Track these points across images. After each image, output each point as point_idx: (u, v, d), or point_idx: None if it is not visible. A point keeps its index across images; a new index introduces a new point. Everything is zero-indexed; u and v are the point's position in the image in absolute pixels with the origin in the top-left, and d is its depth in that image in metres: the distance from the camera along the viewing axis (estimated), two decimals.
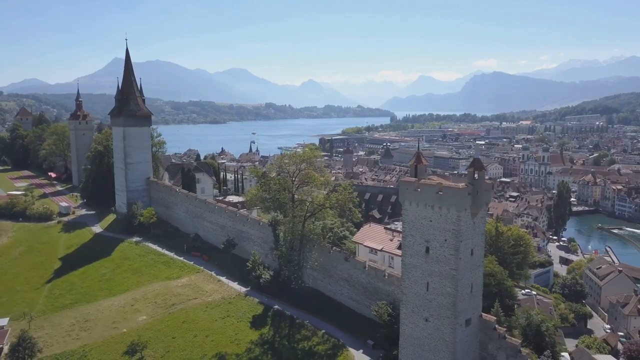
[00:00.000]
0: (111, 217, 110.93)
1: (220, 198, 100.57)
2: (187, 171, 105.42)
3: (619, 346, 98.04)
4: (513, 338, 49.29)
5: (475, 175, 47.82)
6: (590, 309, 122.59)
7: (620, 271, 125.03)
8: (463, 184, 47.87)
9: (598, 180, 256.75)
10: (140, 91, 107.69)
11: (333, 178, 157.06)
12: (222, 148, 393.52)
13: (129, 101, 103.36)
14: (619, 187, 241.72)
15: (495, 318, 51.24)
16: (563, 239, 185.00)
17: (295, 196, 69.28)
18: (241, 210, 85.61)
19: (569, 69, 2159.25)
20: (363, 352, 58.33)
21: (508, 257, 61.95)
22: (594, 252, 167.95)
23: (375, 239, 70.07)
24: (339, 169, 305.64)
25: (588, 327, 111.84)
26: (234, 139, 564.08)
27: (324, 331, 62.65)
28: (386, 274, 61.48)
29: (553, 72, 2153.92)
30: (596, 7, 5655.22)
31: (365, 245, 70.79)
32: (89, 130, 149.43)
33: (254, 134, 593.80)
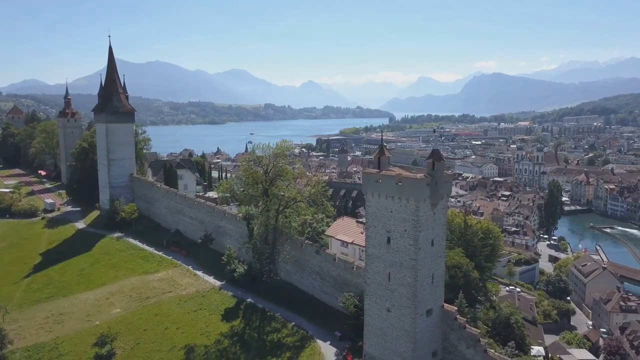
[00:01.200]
0: (95, 214, 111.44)
1: (201, 194, 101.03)
2: (169, 167, 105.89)
3: (601, 342, 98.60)
4: (473, 328, 49.58)
5: (434, 167, 48.17)
6: (574, 305, 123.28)
7: (604, 268, 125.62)
8: (422, 174, 48.29)
9: (591, 179, 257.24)
10: (124, 88, 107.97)
11: (327, 177, 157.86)
12: (217, 148, 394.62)
13: (112, 98, 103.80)
14: (612, 186, 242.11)
15: (456, 309, 51.54)
16: (554, 237, 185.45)
17: (269, 190, 69.47)
18: (219, 205, 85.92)
19: (568, 70, 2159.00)
20: (330, 344, 58.62)
21: (477, 249, 62.29)
22: (583, 250, 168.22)
23: (347, 232, 70.47)
24: (333, 168, 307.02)
25: (572, 323, 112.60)
26: (232, 140, 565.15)
27: (293, 323, 62.98)
28: (355, 266, 61.84)
29: (553, 74, 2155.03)
30: (596, 9, 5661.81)
31: (337, 239, 71.18)
32: (77, 128, 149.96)
33: (252, 134, 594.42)
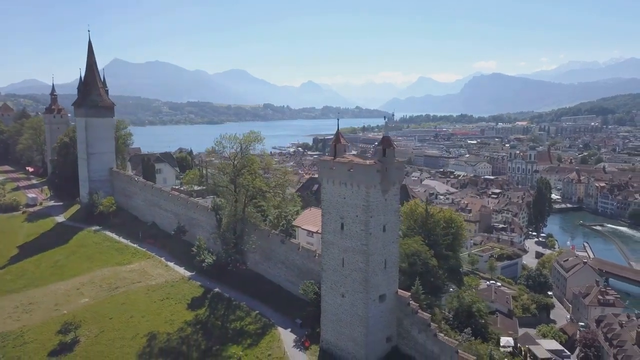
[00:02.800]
0: (76, 208, 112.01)
1: (177, 187, 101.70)
2: (147, 161, 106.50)
3: (578, 335, 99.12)
4: (424, 313, 50.05)
5: (385, 153, 48.67)
6: (554, 299, 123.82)
7: (584, 263, 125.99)
8: (372, 161, 48.84)
9: (582, 178, 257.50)
10: (104, 83, 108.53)
11: (316, 175, 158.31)
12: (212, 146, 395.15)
13: (92, 92, 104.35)
14: (602, 184, 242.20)
15: (409, 294, 52.04)
16: (542, 235, 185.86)
17: (236, 180, 70.00)
18: (192, 198, 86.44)
19: (568, 70, 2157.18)
20: (291, 331, 59.16)
21: (438, 238, 62.84)
22: (571, 247, 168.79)
23: (312, 222, 70.98)
24: None
25: (552, 317, 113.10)
26: None
27: (257, 312, 63.56)
28: (317, 255, 62.32)
29: (552, 74, 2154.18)
30: (596, 9, 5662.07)
31: (303, 229, 71.74)
32: (63, 124, 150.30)
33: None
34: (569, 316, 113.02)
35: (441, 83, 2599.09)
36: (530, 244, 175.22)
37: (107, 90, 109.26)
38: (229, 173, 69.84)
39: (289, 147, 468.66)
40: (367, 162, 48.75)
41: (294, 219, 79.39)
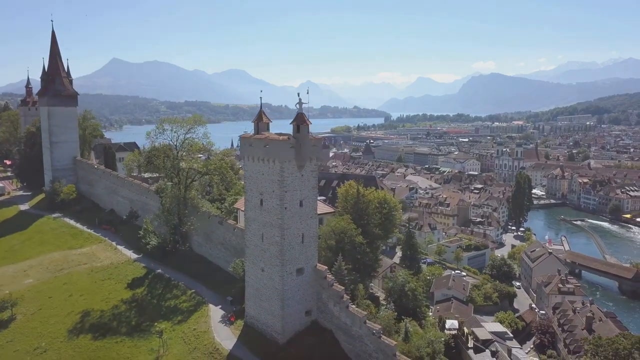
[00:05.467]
0: (42, 196, 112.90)
1: (135, 174, 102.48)
2: (108, 149, 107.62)
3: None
4: (339, 286, 51.02)
5: (299, 129, 49.65)
6: (520, 288, 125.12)
7: (550, 253, 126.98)
8: (286, 137, 49.84)
9: (566, 174, 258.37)
10: (68, 72, 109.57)
11: None
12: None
13: (55, 81, 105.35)
14: (585, 180, 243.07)
15: (326, 267, 53.01)
16: (521, 229, 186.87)
17: (178, 163, 71.01)
18: (144, 184, 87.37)
19: (566, 70, 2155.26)
20: (221, 308, 60.20)
21: (369, 217, 63.89)
22: (548, 241, 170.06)
23: None
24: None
25: (516, 306, 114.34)
26: (226, 137, 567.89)
27: (193, 291, 64.59)
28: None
29: (551, 74, 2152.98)
30: (595, 10, 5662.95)
31: (242, 210, 72.53)
32: (38, 117, 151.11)
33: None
34: (534, 305, 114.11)
35: (440, 83, 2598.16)
36: (509, 238, 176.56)
37: (72, 80, 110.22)
38: (170, 156, 70.83)
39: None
40: (281, 137, 49.73)
41: (236, 201, 79.84)
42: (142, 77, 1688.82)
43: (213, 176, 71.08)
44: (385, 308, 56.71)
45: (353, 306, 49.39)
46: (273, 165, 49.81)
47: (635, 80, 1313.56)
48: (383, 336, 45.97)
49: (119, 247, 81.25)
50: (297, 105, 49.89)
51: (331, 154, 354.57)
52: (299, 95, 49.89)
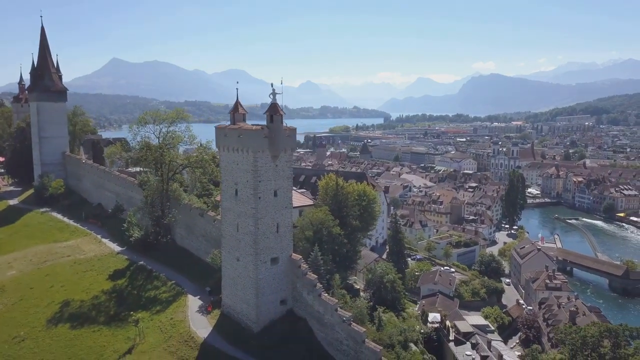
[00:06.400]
0: (31, 191, 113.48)
1: (122, 168, 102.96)
2: (97, 144, 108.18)
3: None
4: (312, 274, 51.46)
5: (272, 119, 50.11)
6: (510, 285, 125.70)
7: (539, 250, 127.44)
8: (259, 126, 50.33)
9: (561, 173, 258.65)
10: (57, 68, 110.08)
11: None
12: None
13: (44, 77, 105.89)
14: (580, 179, 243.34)
15: (300, 257, 53.46)
16: (515, 227, 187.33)
17: (160, 156, 71.44)
18: (130, 178, 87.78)
19: (566, 71, 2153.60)
20: (200, 298, 60.67)
21: (350, 210, 64.38)
22: (540, 238, 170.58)
23: None
24: (310, 161, 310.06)
25: (504, 302, 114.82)
26: None
27: (174, 282, 65.03)
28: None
29: (551, 75, 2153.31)
30: (595, 10, 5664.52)
31: None
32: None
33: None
34: (522, 301, 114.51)
35: (440, 84, 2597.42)
36: (502, 236, 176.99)
37: (61, 75, 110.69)
38: (152, 149, 71.29)
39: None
40: (254, 127, 50.20)
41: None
42: (142, 77, 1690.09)
43: (195, 169, 71.59)
44: (362, 298, 57.03)
45: (325, 294, 49.81)
46: (247, 155, 50.26)
47: (635, 81, 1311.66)
48: (353, 323, 46.40)
49: (103, 240, 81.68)
50: (271, 96, 50.37)
51: (328, 153, 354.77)
52: (272, 86, 50.35)
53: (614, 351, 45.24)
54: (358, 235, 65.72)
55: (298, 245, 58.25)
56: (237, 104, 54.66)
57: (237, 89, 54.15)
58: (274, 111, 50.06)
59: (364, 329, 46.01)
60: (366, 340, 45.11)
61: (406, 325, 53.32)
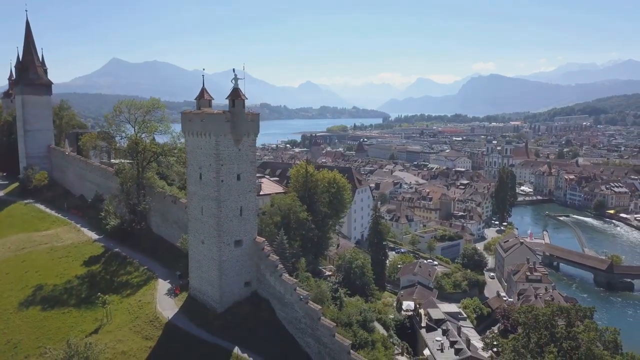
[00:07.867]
0: (17, 184, 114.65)
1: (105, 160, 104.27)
2: (80, 136, 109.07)
3: None
4: (274, 256, 52.56)
5: (234, 104, 51.28)
6: (489, 278, 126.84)
7: (521, 243, 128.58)
8: (221, 111, 51.50)
9: (553, 170, 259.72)
10: (42, 61, 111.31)
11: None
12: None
13: (28, 70, 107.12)
14: (572, 177, 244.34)
15: (264, 239, 54.55)
16: (504, 224, 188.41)
17: (136, 144, 72.60)
18: (109, 168, 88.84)
19: (566, 72, 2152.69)
20: (169, 282, 61.81)
21: (319, 197, 65.50)
22: (529, 235, 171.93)
23: None
24: (304, 159, 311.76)
25: (486, 294, 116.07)
26: None
27: (146, 267, 66.16)
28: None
29: (551, 75, 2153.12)
30: (595, 11, 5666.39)
31: None
32: None
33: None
34: (501, 293, 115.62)
35: (440, 84, 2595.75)
36: (491, 232, 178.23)
37: (46, 69, 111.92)
38: (128, 138, 72.48)
39: (278, 144, 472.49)
40: (216, 112, 51.36)
41: None
42: (142, 77, 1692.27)
43: (170, 157, 72.75)
44: (329, 282, 58.10)
45: (286, 275, 50.93)
46: (209, 139, 51.42)
47: (634, 81, 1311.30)
48: (310, 302, 47.52)
49: (82, 229, 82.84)
50: (233, 81, 51.52)
51: (324, 152, 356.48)
52: (234, 71, 51.44)
53: (567, 330, 46.26)
54: (329, 222, 66.80)
55: (265, 230, 59.35)
56: (203, 90, 55.93)
57: (202, 75, 55.32)
58: (235, 96, 51.24)
59: (320, 307, 47.12)
60: (322, 317, 46.22)
61: (367, 307, 54.36)
